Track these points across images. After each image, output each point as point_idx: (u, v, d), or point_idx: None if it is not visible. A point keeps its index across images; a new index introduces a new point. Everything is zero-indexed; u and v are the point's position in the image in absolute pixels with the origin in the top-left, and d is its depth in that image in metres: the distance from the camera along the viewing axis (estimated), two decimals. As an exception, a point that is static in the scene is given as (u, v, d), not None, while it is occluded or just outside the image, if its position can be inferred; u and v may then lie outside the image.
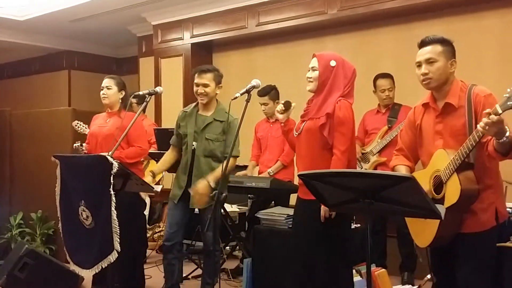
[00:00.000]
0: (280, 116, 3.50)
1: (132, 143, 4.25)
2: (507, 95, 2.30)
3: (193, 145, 3.90)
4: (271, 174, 5.12)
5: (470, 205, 2.61)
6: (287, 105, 3.48)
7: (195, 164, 3.88)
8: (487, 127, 2.33)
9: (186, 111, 4.04)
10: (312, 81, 3.36)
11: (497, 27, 5.05)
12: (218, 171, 3.75)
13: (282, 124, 3.53)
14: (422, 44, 2.77)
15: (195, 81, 3.91)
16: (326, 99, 3.32)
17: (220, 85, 3.99)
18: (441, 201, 2.63)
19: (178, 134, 4.08)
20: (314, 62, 3.37)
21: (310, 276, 3.36)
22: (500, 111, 2.30)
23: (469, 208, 2.62)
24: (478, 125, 2.41)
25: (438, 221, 2.59)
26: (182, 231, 3.98)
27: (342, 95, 3.32)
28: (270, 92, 5.06)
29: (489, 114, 2.31)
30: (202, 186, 3.78)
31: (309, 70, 3.39)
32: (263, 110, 5.17)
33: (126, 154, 4.23)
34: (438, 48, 2.72)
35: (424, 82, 2.76)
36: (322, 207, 3.23)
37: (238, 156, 3.96)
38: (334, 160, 3.26)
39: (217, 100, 4.00)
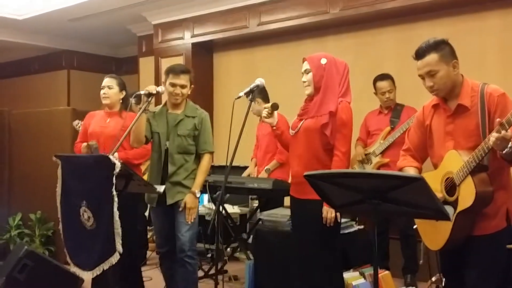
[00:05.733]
0: (269, 121, 3.44)
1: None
2: None
3: (166, 145, 3.81)
4: (268, 172, 5.12)
5: (485, 208, 2.56)
6: (275, 107, 3.39)
7: (170, 161, 3.79)
8: (498, 142, 2.29)
9: (154, 112, 3.93)
10: (308, 85, 3.37)
11: (499, 27, 5.03)
12: (199, 179, 3.79)
13: (274, 128, 3.47)
14: (417, 56, 2.68)
15: (171, 81, 3.80)
16: (324, 96, 3.31)
17: (192, 85, 3.93)
18: (454, 203, 2.58)
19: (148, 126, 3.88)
20: (305, 65, 3.40)
21: (310, 278, 3.33)
22: None
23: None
24: (489, 138, 2.34)
25: (450, 224, 2.55)
26: (171, 236, 3.84)
27: (341, 95, 3.34)
28: None
29: (501, 123, 2.27)
30: (190, 200, 3.74)
31: (302, 75, 3.39)
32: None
33: (133, 155, 4.17)
34: (434, 57, 2.62)
35: (433, 94, 2.73)
36: (326, 208, 3.20)
37: (213, 152, 3.91)
38: (336, 161, 3.26)
39: (186, 99, 3.94)
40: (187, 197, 3.74)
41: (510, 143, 2.32)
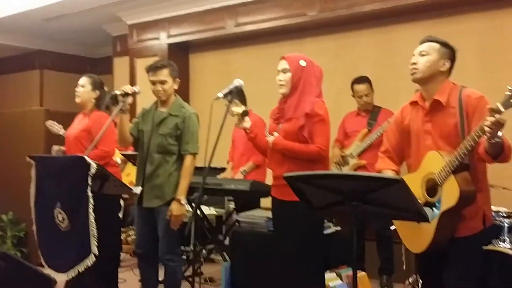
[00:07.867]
0: (242, 126, 3.38)
1: (96, 145, 3.93)
2: (509, 93, 2.24)
3: (150, 143, 3.77)
4: (244, 174, 5.09)
5: (467, 207, 2.57)
6: (244, 114, 3.36)
7: (148, 160, 3.74)
8: (493, 126, 2.26)
9: (146, 109, 3.90)
10: (284, 84, 3.32)
11: (478, 30, 5.07)
12: (183, 185, 3.69)
13: (248, 131, 3.41)
14: (423, 41, 2.79)
15: (150, 78, 3.76)
16: (301, 99, 3.28)
17: (178, 79, 3.85)
18: (436, 204, 2.58)
19: (136, 124, 3.90)
20: (284, 64, 3.34)
21: (291, 280, 3.32)
22: (502, 109, 2.24)
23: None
24: (482, 125, 2.31)
25: (434, 225, 2.56)
26: (149, 238, 3.80)
27: (316, 96, 3.32)
28: None
29: (493, 110, 2.24)
30: (175, 208, 3.64)
31: (278, 73, 3.35)
32: None
33: (90, 157, 4.10)
34: (435, 45, 2.74)
35: (410, 73, 2.76)
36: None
37: (196, 154, 3.79)
38: (309, 147, 3.22)
39: (175, 95, 3.87)
40: (173, 205, 3.65)
41: (500, 133, 2.30)
